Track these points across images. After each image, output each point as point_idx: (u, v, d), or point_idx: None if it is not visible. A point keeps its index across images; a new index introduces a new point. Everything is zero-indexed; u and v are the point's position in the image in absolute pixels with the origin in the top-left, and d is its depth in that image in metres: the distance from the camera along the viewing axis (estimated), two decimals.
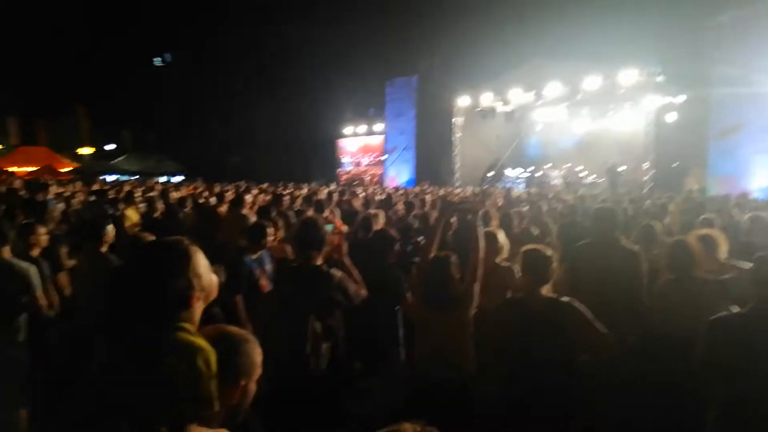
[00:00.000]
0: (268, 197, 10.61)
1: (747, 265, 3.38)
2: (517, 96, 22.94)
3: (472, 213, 3.90)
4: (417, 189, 17.52)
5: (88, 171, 31.27)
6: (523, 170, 24.95)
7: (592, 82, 20.05)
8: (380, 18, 35.04)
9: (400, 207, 8.86)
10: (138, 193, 9.86)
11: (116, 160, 37.33)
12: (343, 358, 3.30)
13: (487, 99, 24.32)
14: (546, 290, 3.06)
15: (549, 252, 3.14)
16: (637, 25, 20.07)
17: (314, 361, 3.06)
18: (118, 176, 30.42)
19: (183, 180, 30.49)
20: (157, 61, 52.13)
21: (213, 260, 3.23)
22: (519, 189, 20.67)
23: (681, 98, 19.68)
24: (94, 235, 4.53)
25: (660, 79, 19.26)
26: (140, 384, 1.46)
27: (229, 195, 9.87)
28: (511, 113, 25.34)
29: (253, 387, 1.67)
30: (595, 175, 22.99)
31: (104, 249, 4.50)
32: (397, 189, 18.76)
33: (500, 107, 24.83)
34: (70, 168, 32.27)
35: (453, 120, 26.41)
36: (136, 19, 44.91)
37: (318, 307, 3.06)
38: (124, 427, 1.45)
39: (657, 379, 3.64)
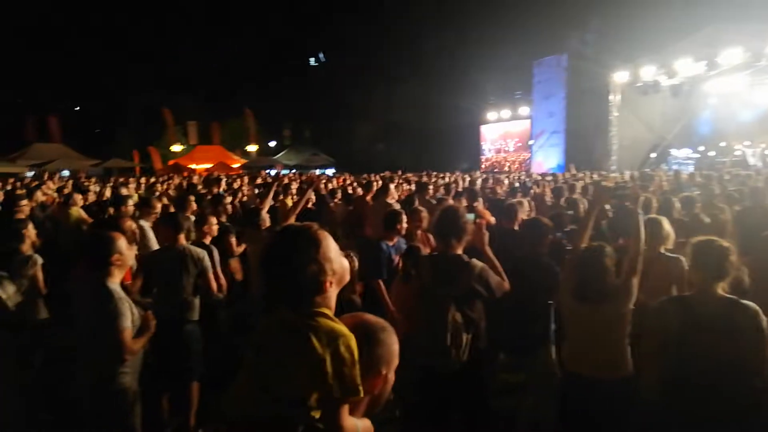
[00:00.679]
0: (412, 186, 10.75)
1: None
2: (686, 67, 20.41)
3: (630, 199, 3.52)
4: (567, 174, 16.49)
5: (254, 166, 34.53)
6: (692, 150, 22.20)
7: None
8: None
9: (548, 194, 8.41)
10: (294, 185, 10.59)
11: (277, 156, 40.71)
12: (484, 350, 3.19)
13: (648, 73, 22.01)
14: (722, 288, 2.64)
15: (725, 243, 2.70)
16: None
17: (454, 352, 2.99)
18: (277, 170, 33.09)
19: (334, 172, 32.24)
20: (312, 61, 55.80)
21: (358, 248, 3.30)
22: (687, 171, 18.43)
23: None
24: (253, 221, 4.96)
25: None
26: (285, 366, 1.53)
27: (375, 185, 10.16)
28: (678, 87, 22.57)
29: (392, 377, 1.65)
30: None
31: (263, 234, 4.90)
32: (544, 175, 17.84)
33: (665, 81, 22.27)
34: (239, 164, 35.95)
35: (609, 98, 24.35)
36: (294, 22, 48.42)
37: (458, 297, 2.98)
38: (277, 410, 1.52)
39: None
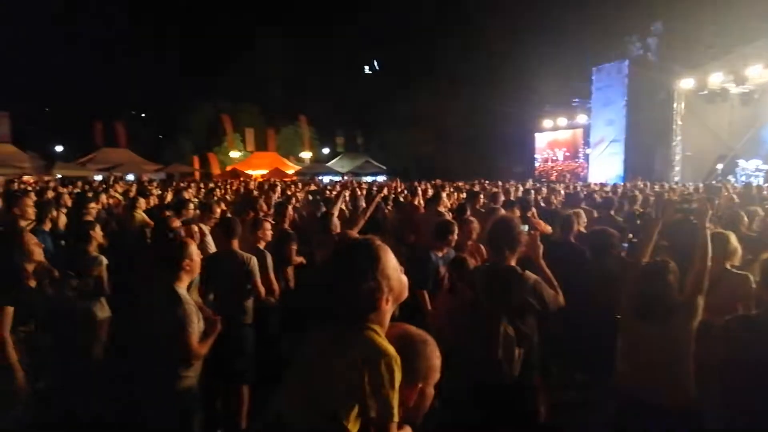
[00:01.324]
0: (463, 195, 10.64)
1: None
2: (757, 73, 19.32)
3: (696, 213, 3.35)
4: (627, 185, 15.89)
5: (307, 173, 35.21)
6: (761, 161, 20.92)
7: None
8: (583, 2, 32.61)
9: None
10: (347, 193, 10.69)
11: (330, 163, 41.34)
12: (536, 365, 3.09)
13: (716, 79, 20.96)
14: None
15: None
16: None
17: (506, 367, 2.92)
18: (331, 177, 33.61)
19: (385, 179, 32.38)
20: (366, 69, 56.48)
21: (407, 257, 3.28)
22: (757, 183, 17.39)
23: None
24: (324, 226, 5.13)
25: None
26: (327, 379, 1.52)
27: (423, 193, 10.11)
28: (748, 94, 21.36)
29: (431, 391, 1.62)
30: None
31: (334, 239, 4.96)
32: (602, 185, 17.26)
33: (733, 88, 21.14)
34: (294, 170, 36.75)
35: (673, 106, 23.34)
36: (350, 30, 49.18)
37: (510, 310, 2.91)
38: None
39: None
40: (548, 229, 6.09)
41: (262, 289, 4.19)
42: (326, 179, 29.54)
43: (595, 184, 18.68)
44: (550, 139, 33.82)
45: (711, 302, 3.41)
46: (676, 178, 22.42)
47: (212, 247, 5.07)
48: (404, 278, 1.66)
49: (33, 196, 6.61)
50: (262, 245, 4.83)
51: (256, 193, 11.61)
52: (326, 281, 1.63)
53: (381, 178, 34.46)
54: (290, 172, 35.71)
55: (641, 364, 2.96)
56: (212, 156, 40.33)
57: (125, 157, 36.93)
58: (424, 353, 1.61)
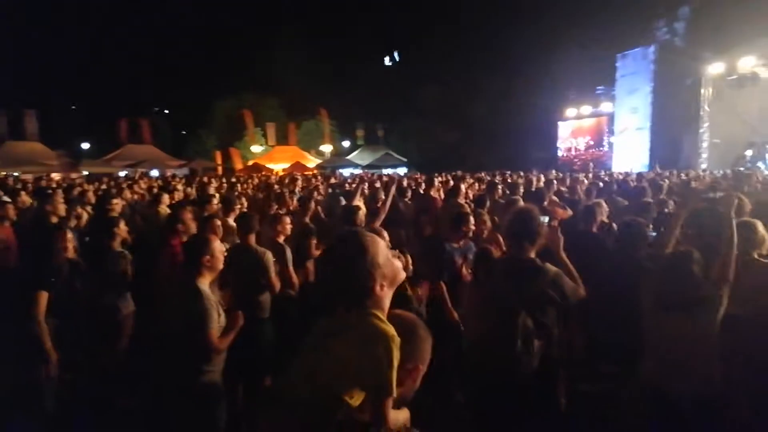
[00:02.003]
0: (483, 186, 10.55)
1: None
2: None
3: (723, 201, 3.26)
4: (651, 174, 15.56)
5: (328, 166, 35.33)
6: None
7: None
8: None
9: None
10: (365, 186, 10.68)
11: (350, 155, 41.40)
12: (556, 358, 3.05)
13: (747, 64, 20.39)
14: None
15: None
16: None
17: (526, 359, 2.88)
18: (352, 169, 33.67)
19: (406, 171, 32.31)
20: (387, 60, 56.29)
21: (422, 247, 3.26)
22: None
23: None
24: (349, 219, 5.09)
25: None
26: (330, 360, 1.63)
27: (443, 185, 10.05)
28: None
29: (422, 371, 1.74)
30: None
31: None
32: (627, 174, 16.93)
33: (764, 73, 20.54)
34: (315, 164, 36.91)
35: (701, 92, 22.76)
36: (370, 21, 49.05)
37: (529, 302, 2.87)
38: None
39: None
40: (566, 213, 6.00)
41: (277, 284, 4.21)
42: (346, 172, 29.63)
43: (620, 173, 18.36)
44: (575, 127, 33.28)
45: (737, 293, 3.34)
46: (704, 166, 21.91)
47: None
48: (398, 264, 1.77)
49: (61, 194, 6.77)
50: (281, 239, 4.85)
51: (277, 187, 11.68)
52: (323, 271, 1.76)
53: (402, 171, 34.39)
54: (311, 165, 35.87)
55: (666, 356, 2.91)
56: (234, 151, 40.73)
57: (149, 154, 37.56)
58: (420, 336, 1.75)
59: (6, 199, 6.10)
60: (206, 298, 2.96)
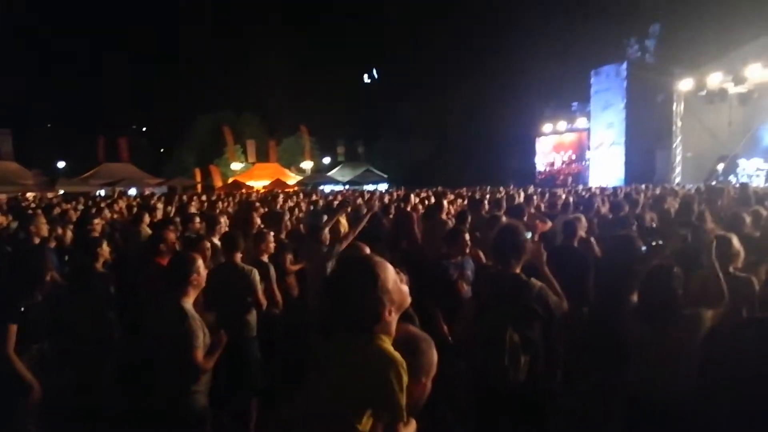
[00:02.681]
0: (464, 202, 10.66)
1: None
2: (756, 73, 19.40)
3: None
4: (627, 189, 15.90)
5: (309, 183, 35.30)
6: (763, 161, 20.93)
7: None
8: (582, 2, 32.78)
9: (605, 209, 8.18)
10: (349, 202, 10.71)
11: (331, 172, 41.45)
12: (542, 372, 3.10)
13: (715, 80, 21.04)
14: None
15: None
16: None
17: (512, 373, 2.93)
18: (333, 186, 33.67)
19: (387, 188, 32.44)
20: (365, 78, 56.77)
21: (403, 264, 3.31)
22: (757, 184, 17.41)
23: None
24: (314, 237, 5.10)
25: None
26: (340, 387, 1.63)
27: (421, 201, 10.14)
28: (747, 94, 21.43)
29: (429, 385, 1.78)
30: None
31: (324, 250, 5.00)
32: (603, 189, 17.28)
33: (732, 88, 21.20)
34: (295, 181, 36.85)
35: (672, 107, 23.40)
36: (348, 41, 49.47)
37: (516, 317, 2.93)
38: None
39: None
40: (546, 226, 6.10)
41: (264, 302, 4.21)
42: (327, 189, 29.63)
43: (596, 188, 18.71)
44: (556, 142, 33.78)
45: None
46: (677, 180, 22.45)
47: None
48: (405, 288, 1.77)
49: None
50: (265, 258, 4.85)
51: (258, 204, 11.64)
52: (330, 298, 1.73)
53: (383, 186, 34.51)
54: (292, 182, 35.81)
55: (647, 370, 2.96)
56: (214, 168, 40.46)
57: (127, 172, 37.09)
58: (425, 351, 1.78)
59: None
60: (192, 318, 2.95)
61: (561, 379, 3.93)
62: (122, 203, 12.26)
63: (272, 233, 5.23)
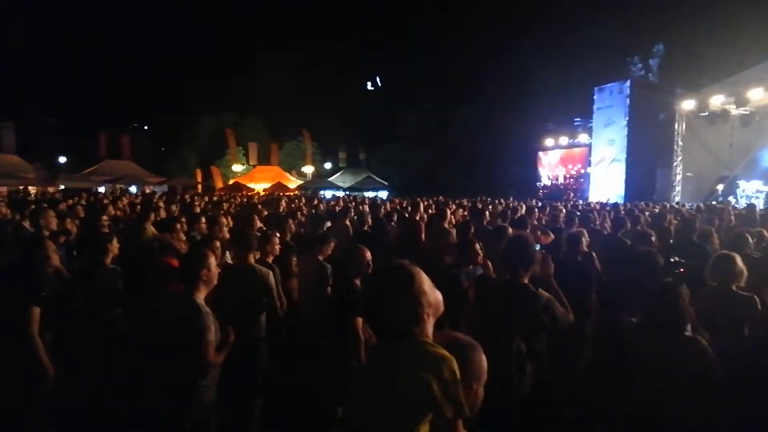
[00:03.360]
0: (466, 212, 10.71)
1: None
2: (758, 96, 19.56)
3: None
4: (629, 205, 15.97)
5: (309, 187, 35.36)
6: (762, 183, 21.06)
7: None
8: (588, 20, 33.09)
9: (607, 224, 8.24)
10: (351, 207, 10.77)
11: (332, 177, 41.53)
12: (547, 382, 3.15)
13: (717, 101, 21.18)
14: None
15: None
16: None
17: (518, 381, 2.97)
18: (334, 191, 33.74)
19: (388, 195, 32.52)
20: (369, 85, 57.08)
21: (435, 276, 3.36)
22: (758, 205, 17.50)
23: None
24: (313, 245, 5.11)
25: None
26: (396, 393, 1.64)
27: (427, 209, 10.20)
28: (748, 116, 21.57)
29: (482, 391, 1.79)
30: None
31: (320, 257, 5.03)
32: (603, 205, 17.35)
33: (734, 110, 21.36)
34: (297, 184, 36.91)
35: (674, 127, 23.55)
36: (353, 46, 49.70)
37: (523, 327, 2.97)
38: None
39: None
40: (549, 238, 6.15)
41: (278, 303, 4.25)
42: (328, 194, 29.67)
43: (596, 203, 18.78)
44: (561, 156, 33.85)
45: (718, 323, 3.48)
46: (677, 198, 22.53)
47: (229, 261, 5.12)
48: (439, 294, 1.81)
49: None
50: (270, 259, 4.89)
51: (260, 207, 11.68)
52: (370, 302, 1.77)
53: (383, 194, 34.58)
54: (292, 186, 35.86)
55: (651, 385, 2.98)
56: (215, 169, 40.52)
57: (129, 170, 37.12)
58: (474, 357, 1.79)
59: None
60: (205, 313, 3.00)
61: (566, 391, 3.98)
62: (125, 200, 12.30)
63: (278, 235, 5.27)
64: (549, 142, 33.73)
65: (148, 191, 26.02)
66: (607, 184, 26.94)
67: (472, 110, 40.86)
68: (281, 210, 11.16)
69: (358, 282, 3.83)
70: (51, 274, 4.02)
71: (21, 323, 3.29)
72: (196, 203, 12.32)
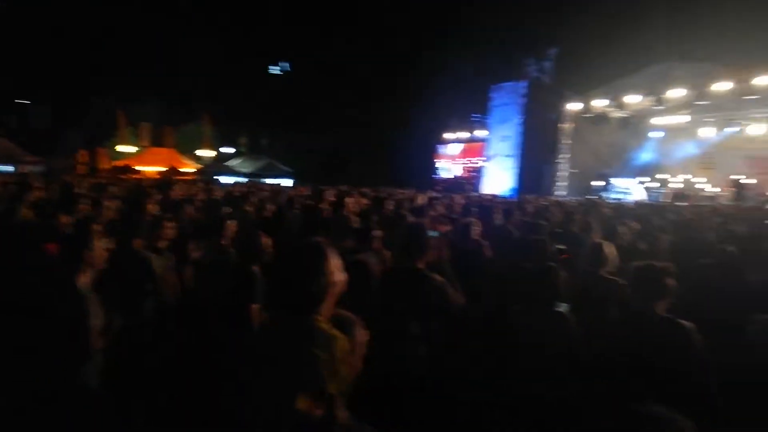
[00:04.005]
0: (368, 201, 10.84)
1: None
2: (635, 101, 21.62)
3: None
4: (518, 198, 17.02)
5: (207, 172, 33.88)
6: (634, 180, 23.40)
7: (720, 86, 18.38)
8: (488, 22, 34.56)
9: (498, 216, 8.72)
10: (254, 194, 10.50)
11: (232, 163, 40.07)
12: (441, 364, 3.29)
13: (600, 104, 23.14)
14: (661, 309, 2.84)
15: (664, 265, 2.90)
16: None
17: (413, 365, 3.08)
18: (234, 177, 32.60)
19: (292, 183, 32.03)
20: (274, 69, 55.53)
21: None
22: (629, 200, 19.43)
23: None
24: (217, 230, 4.93)
25: None
26: (285, 367, 1.67)
27: (331, 197, 10.21)
28: (626, 119, 23.93)
29: (359, 364, 1.86)
30: (718, 188, 21.18)
31: (225, 242, 4.88)
32: (494, 197, 18.33)
33: (614, 113, 23.50)
34: (193, 169, 35.20)
35: (562, 126, 25.38)
36: (255, 29, 48.07)
37: (418, 311, 3.08)
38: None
39: None
40: (445, 228, 6.40)
41: (164, 289, 4.06)
42: (228, 180, 28.63)
43: (490, 195, 19.82)
44: (461, 149, 35.18)
45: (588, 306, 3.83)
46: (563, 193, 24.34)
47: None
48: (342, 274, 1.88)
49: None
50: (162, 245, 4.68)
51: (151, 191, 11.04)
52: (280, 278, 1.80)
53: (287, 182, 33.97)
54: (189, 171, 34.16)
55: (527, 358, 3.20)
56: (101, 150, 37.51)
57: (3, 148, 33.38)
58: (354, 332, 1.86)
59: None
60: (87, 297, 2.81)
61: (458, 373, 4.16)
62: None
63: (171, 220, 5.03)
64: (449, 136, 34.96)
65: (24, 171, 23.62)
66: (499, 178, 28.47)
67: (376, 101, 41.24)
68: (175, 195, 10.60)
69: (256, 269, 3.76)
70: None
71: None
72: (77, 185, 11.37)
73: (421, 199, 10.98)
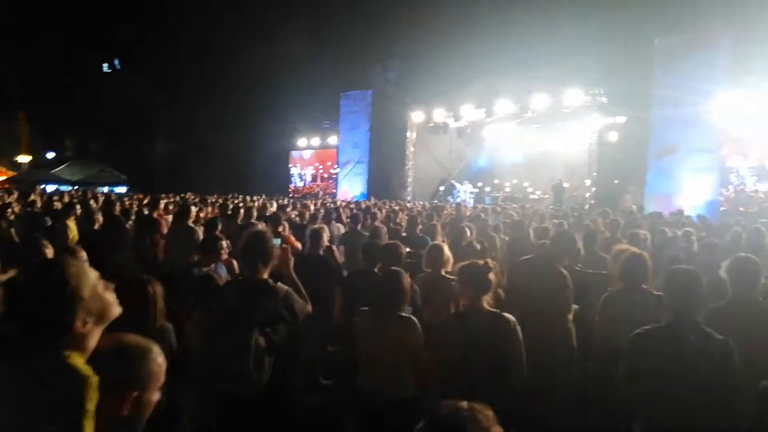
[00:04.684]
0: (216, 209, 10.38)
1: None
2: (469, 112, 23.54)
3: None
4: (369, 203, 17.55)
5: (25, 179, 29.81)
6: (472, 185, 25.49)
7: (540, 100, 20.72)
8: (335, 32, 35.10)
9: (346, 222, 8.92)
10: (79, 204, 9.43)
11: (56, 169, 35.74)
12: (286, 374, 3.24)
13: (439, 115, 24.79)
14: (486, 302, 3.08)
15: (484, 262, 3.15)
16: (582, 46, 20.71)
17: (256, 375, 3.00)
18: (58, 186, 29.12)
19: (127, 191, 29.49)
20: (105, 67, 50.50)
21: (153, 273, 3.14)
22: (469, 204, 21.13)
23: (622, 119, 20.46)
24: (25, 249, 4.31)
25: (603, 99, 20.09)
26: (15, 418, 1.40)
27: (171, 206, 9.62)
28: (462, 129, 26.04)
29: (151, 398, 1.60)
30: (540, 192, 23.94)
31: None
32: (348, 202, 18.73)
33: (452, 123, 25.38)
34: (6, 176, 30.73)
35: (407, 135, 26.72)
36: (83, 22, 43.37)
37: (262, 321, 3.01)
38: None
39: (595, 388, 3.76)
40: (298, 245, 6.38)
41: None
42: (51, 188, 25.45)
43: (342, 201, 20.18)
44: (313, 156, 35.22)
45: (433, 304, 4.06)
46: (409, 198, 25.58)
47: None
48: (108, 297, 1.61)
49: None
50: None
51: None
52: (9, 306, 1.47)
53: (121, 189, 31.17)
54: (1, 178, 29.75)
55: (374, 361, 3.30)
56: None
57: None
58: (140, 361, 1.59)
59: None
60: None
61: (308, 381, 4.16)
62: None
63: None
64: (302, 142, 34.88)
65: None
66: (352, 184, 29.13)
67: (222, 104, 39.51)
68: None
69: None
70: None
71: None
72: None
73: (270, 207, 10.80)
